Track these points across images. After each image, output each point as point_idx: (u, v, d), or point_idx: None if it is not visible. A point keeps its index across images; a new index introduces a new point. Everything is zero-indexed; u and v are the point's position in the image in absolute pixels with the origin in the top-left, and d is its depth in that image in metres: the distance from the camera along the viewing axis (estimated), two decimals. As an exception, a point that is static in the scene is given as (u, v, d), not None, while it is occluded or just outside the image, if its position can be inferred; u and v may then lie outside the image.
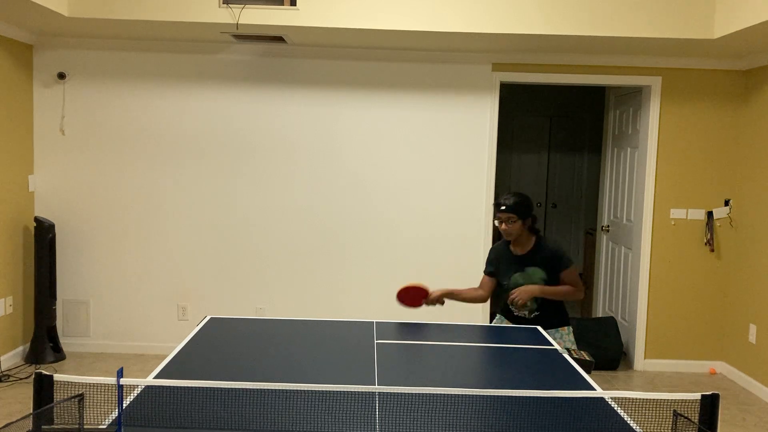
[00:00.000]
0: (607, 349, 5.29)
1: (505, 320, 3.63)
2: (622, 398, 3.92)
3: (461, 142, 5.31)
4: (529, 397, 2.28)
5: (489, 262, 3.65)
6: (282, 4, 4.38)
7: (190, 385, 2.11)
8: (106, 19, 4.45)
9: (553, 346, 3.04)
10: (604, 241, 6.23)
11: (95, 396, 2.24)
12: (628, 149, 5.72)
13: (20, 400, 4.35)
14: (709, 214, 5.32)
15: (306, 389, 2.28)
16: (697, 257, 5.36)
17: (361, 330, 3.20)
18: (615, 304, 5.94)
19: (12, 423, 1.84)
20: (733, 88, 5.27)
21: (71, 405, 1.83)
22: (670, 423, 2.01)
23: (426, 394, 2.30)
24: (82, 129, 5.29)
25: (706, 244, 5.35)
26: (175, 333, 5.41)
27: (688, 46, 4.71)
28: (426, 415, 2.10)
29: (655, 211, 5.34)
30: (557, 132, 8.34)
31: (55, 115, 5.27)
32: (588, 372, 2.87)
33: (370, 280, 5.38)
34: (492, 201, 5.35)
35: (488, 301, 5.37)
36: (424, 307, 5.37)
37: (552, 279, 3.47)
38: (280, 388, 1.94)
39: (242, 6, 4.36)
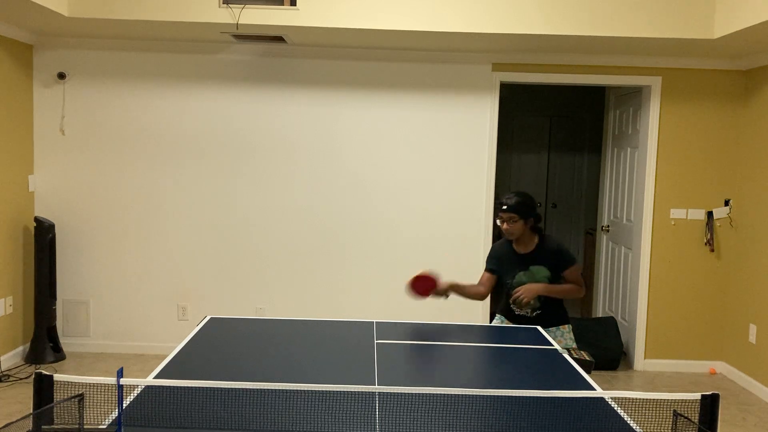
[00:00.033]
0: (607, 349, 5.29)
1: (506, 320, 3.63)
2: (622, 398, 3.92)
3: (461, 142, 5.31)
4: (529, 397, 2.28)
5: (491, 259, 3.63)
6: (282, 4, 4.38)
7: (190, 385, 2.11)
8: (106, 19, 4.45)
9: (553, 346, 3.04)
10: (604, 241, 6.23)
11: (95, 396, 2.24)
12: (628, 149, 5.72)
13: (20, 400, 4.36)
14: (709, 214, 5.32)
15: (306, 389, 2.28)
16: (697, 257, 5.36)
17: (361, 330, 3.20)
18: (615, 304, 5.94)
19: (12, 423, 1.84)
20: (733, 88, 5.27)
21: (71, 405, 1.83)
22: (670, 423, 2.01)
23: (426, 394, 2.29)
24: (82, 129, 5.29)
25: (706, 244, 5.35)
26: (175, 333, 5.41)
27: (688, 46, 4.71)
28: (426, 415, 2.10)
29: (655, 211, 5.34)
30: (557, 132, 8.34)
31: (55, 115, 5.27)
32: (588, 372, 2.87)
33: (370, 280, 5.38)
34: (492, 201, 5.35)
35: (488, 301, 5.38)
36: (424, 307, 5.37)
37: (555, 277, 3.48)
38: (280, 388, 1.94)
39: (242, 6, 4.36)
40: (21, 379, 4.75)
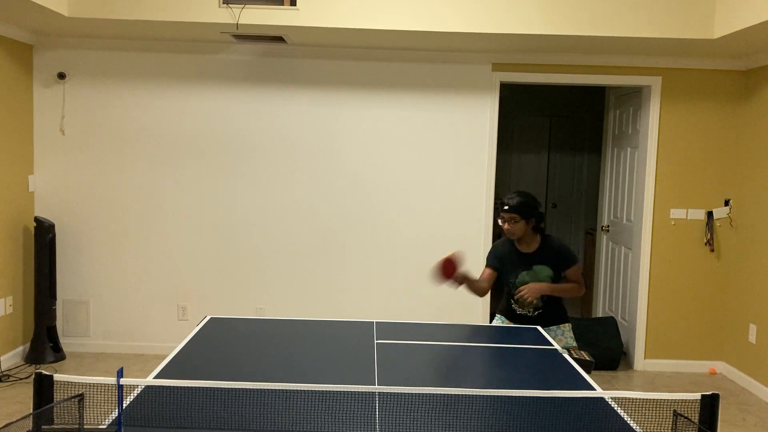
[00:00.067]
0: (607, 349, 5.29)
1: (506, 320, 3.63)
2: (622, 398, 3.92)
3: (461, 142, 5.31)
4: (529, 397, 2.28)
5: (493, 257, 3.62)
6: (282, 4, 4.38)
7: (190, 385, 2.11)
8: (106, 19, 4.45)
9: (553, 346, 3.04)
10: (604, 241, 6.23)
11: (95, 396, 2.24)
12: (628, 149, 5.72)
13: (20, 400, 4.35)
14: (709, 214, 5.32)
15: (306, 389, 2.28)
16: (697, 257, 5.36)
17: (361, 330, 3.20)
18: (615, 304, 5.94)
19: (12, 423, 1.84)
20: (733, 88, 5.27)
21: (71, 405, 1.83)
22: (670, 423, 2.01)
23: (426, 394, 2.30)
24: (82, 129, 5.29)
25: (706, 244, 5.35)
26: (175, 333, 5.41)
27: (688, 46, 4.71)
28: (426, 415, 2.10)
29: (655, 211, 5.34)
30: (557, 132, 8.34)
31: (55, 115, 5.27)
32: (588, 372, 2.88)
33: (370, 280, 5.38)
34: (492, 201, 5.35)
35: (488, 301, 5.38)
36: (424, 307, 5.37)
37: (557, 276, 3.49)
38: (280, 388, 1.94)
39: (242, 6, 4.36)
40: (21, 379, 4.75)
